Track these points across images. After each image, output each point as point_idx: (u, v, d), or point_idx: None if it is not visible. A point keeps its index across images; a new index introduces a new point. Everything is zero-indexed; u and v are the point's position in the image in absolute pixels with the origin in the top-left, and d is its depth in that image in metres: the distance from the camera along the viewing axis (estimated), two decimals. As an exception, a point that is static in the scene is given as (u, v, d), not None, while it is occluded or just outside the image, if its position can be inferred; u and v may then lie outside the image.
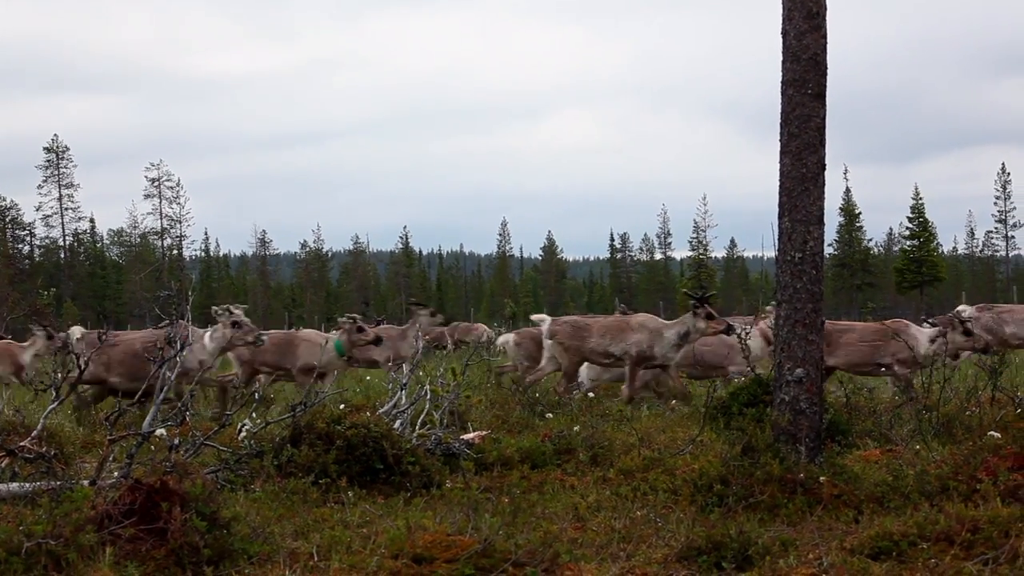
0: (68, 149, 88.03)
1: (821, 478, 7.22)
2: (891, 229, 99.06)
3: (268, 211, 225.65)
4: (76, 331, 14.58)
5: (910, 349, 12.96)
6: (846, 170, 78.69)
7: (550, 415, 11.97)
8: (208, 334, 13.11)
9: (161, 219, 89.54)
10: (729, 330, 13.68)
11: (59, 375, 8.93)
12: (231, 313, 13.14)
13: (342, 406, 9.79)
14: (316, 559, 6.10)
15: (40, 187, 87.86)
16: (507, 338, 17.82)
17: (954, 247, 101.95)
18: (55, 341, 17.97)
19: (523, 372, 15.83)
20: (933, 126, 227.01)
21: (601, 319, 15.62)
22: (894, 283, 75.29)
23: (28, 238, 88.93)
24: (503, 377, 16.00)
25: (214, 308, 13.40)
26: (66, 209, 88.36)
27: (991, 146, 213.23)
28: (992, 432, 8.02)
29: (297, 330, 19.61)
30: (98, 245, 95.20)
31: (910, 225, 75.01)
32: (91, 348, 12.47)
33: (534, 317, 16.44)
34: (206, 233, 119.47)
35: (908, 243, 75.37)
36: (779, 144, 8.13)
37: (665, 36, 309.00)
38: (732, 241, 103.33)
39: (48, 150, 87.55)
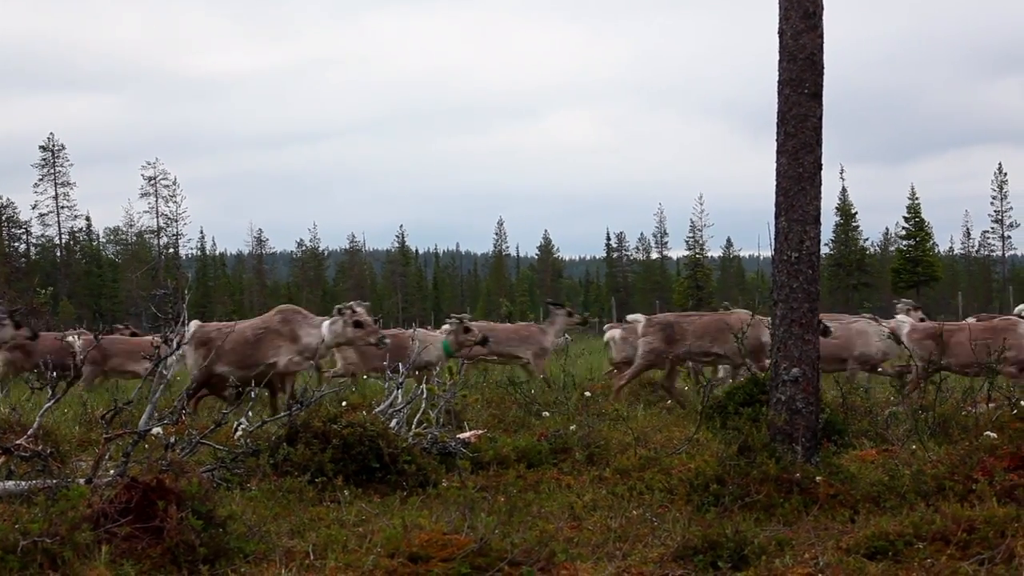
0: (64, 147, 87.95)
1: (817, 478, 7.23)
2: (887, 229, 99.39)
3: (264, 210, 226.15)
4: (193, 325, 13.72)
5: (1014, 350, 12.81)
6: (842, 170, 78.68)
7: (546, 414, 11.97)
8: (326, 324, 12.85)
9: (157, 217, 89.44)
10: (826, 332, 13.36)
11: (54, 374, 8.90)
12: (354, 312, 12.90)
13: (344, 404, 9.79)
14: (312, 558, 6.10)
15: (36, 185, 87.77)
16: (613, 334, 17.74)
17: (950, 247, 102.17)
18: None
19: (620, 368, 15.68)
20: (929, 126, 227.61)
21: (696, 317, 15.35)
22: (890, 283, 75.31)
23: (24, 236, 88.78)
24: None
25: (337, 306, 13.17)
26: (62, 207, 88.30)
27: (987, 146, 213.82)
28: (988, 432, 8.02)
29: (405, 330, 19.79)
30: (94, 243, 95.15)
31: (906, 225, 75.07)
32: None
33: (629, 317, 16.38)
34: (202, 232, 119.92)
35: (904, 243, 75.42)
36: (775, 144, 8.13)
37: (662, 36, 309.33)
38: (728, 241, 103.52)
39: (44, 148, 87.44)
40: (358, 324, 12.87)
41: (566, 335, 19.35)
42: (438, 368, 15.62)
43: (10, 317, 17.26)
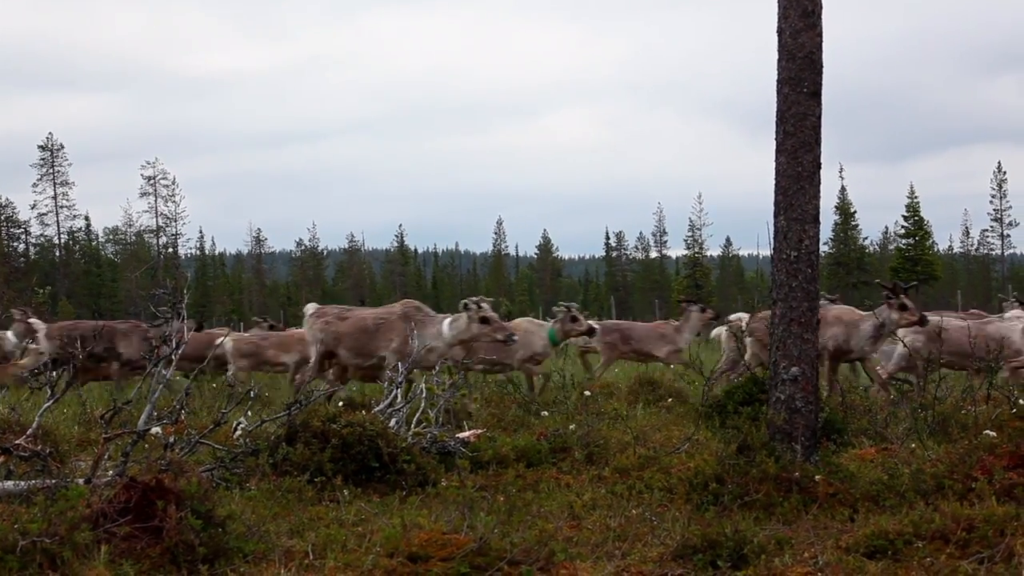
0: (63, 147, 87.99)
1: (817, 477, 7.23)
2: (887, 227, 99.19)
3: (263, 209, 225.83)
4: (310, 307, 13.96)
5: None
6: (842, 168, 78.65)
7: (545, 413, 11.96)
8: (447, 322, 12.75)
9: (157, 217, 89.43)
10: (923, 321, 13.18)
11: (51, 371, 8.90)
12: (480, 308, 12.73)
13: (340, 404, 9.78)
14: (311, 557, 6.11)
15: (35, 185, 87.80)
16: (721, 330, 17.68)
17: (949, 246, 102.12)
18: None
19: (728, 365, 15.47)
20: (928, 124, 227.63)
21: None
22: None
23: (23, 236, 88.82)
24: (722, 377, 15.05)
25: (463, 301, 12.97)
26: (61, 207, 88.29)
27: (985, 144, 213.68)
28: (988, 431, 8.02)
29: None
30: (93, 243, 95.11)
31: (906, 224, 75.08)
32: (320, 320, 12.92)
33: (732, 317, 16.31)
34: (201, 231, 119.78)
35: (904, 242, 75.43)
36: (775, 143, 8.13)
37: (661, 34, 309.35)
38: (728, 240, 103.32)
39: (43, 148, 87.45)
40: (485, 320, 12.72)
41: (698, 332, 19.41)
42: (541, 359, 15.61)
43: (199, 328, 17.57)
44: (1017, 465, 6.96)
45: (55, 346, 16.92)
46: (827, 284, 72.09)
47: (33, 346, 17.95)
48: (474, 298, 13.07)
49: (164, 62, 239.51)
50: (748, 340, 14.34)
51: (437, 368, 11.53)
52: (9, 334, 18.00)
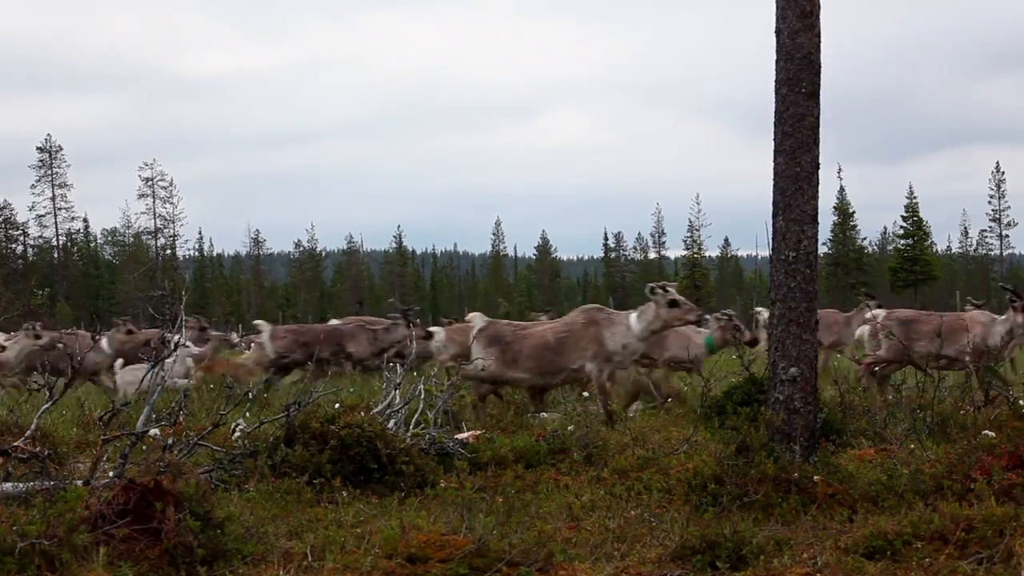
0: (61, 149, 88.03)
1: (815, 477, 7.23)
2: (885, 228, 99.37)
3: (262, 210, 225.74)
4: (477, 319, 13.09)
5: None
6: (840, 169, 78.73)
7: (544, 415, 11.95)
8: (635, 315, 12.01)
9: (155, 219, 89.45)
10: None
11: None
12: (666, 291, 11.94)
13: (337, 405, 9.77)
14: (310, 559, 6.10)
15: (33, 187, 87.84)
16: (864, 329, 17.64)
17: (948, 246, 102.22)
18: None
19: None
20: (927, 125, 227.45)
21: (924, 316, 14.85)
22: (888, 282, 75.41)
23: (21, 238, 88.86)
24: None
25: (648, 285, 12.18)
26: (59, 209, 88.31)
27: (983, 145, 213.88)
28: (987, 431, 8.03)
29: None
30: (92, 245, 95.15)
31: (904, 224, 75.27)
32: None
33: (867, 315, 16.29)
34: (200, 233, 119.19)
35: (902, 242, 75.64)
36: (773, 143, 8.14)
37: (658, 34, 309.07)
38: (726, 240, 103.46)
39: (41, 150, 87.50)
40: (674, 304, 11.90)
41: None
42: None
43: (404, 317, 17.68)
44: (1016, 465, 6.96)
45: (279, 348, 17.41)
46: (826, 285, 72.25)
47: (258, 340, 18.48)
48: (660, 282, 12.33)
49: (162, 63, 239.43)
50: (881, 337, 14.22)
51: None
52: (104, 343, 18.03)
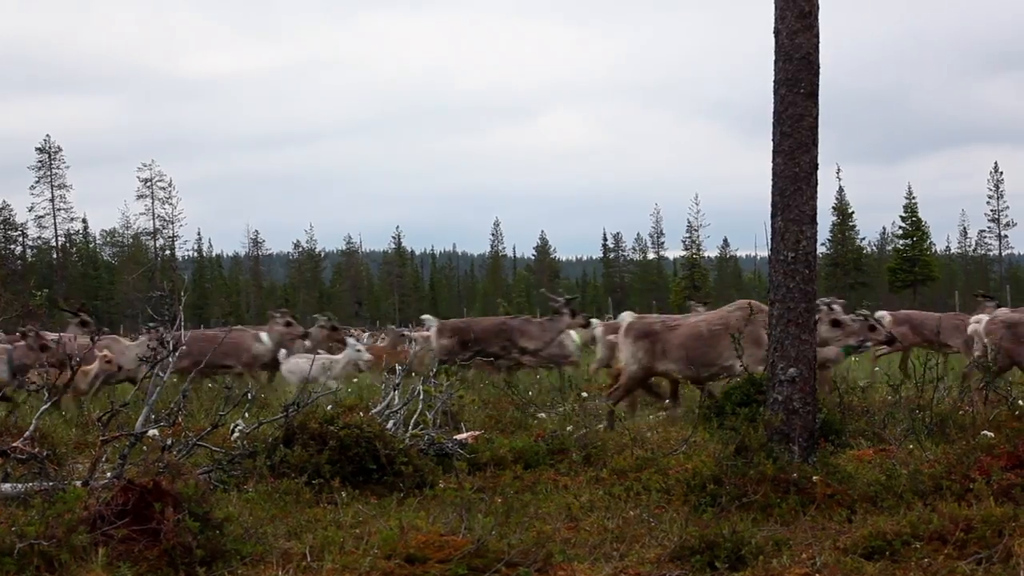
0: (60, 150, 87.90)
1: (814, 478, 7.23)
2: (884, 228, 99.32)
3: (261, 211, 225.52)
4: (627, 316, 12.78)
5: None
6: (839, 169, 78.57)
7: (543, 415, 11.96)
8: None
9: (154, 219, 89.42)
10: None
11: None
12: (832, 309, 11.70)
13: (329, 407, 9.76)
14: (309, 559, 6.10)
15: (32, 188, 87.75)
16: (977, 327, 17.57)
17: (947, 246, 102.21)
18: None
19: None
20: (925, 125, 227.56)
21: None
22: (887, 282, 75.41)
23: (20, 239, 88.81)
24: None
25: (822, 300, 11.56)
26: (58, 210, 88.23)
27: (981, 145, 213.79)
28: (985, 431, 8.03)
29: None
30: (91, 246, 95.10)
31: (903, 224, 75.19)
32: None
33: (973, 318, 16.01)
34: (199, 233, 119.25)
35: (901, 242, 75.56)
36: (772, 144, 8.14)
37: (657, 35, 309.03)
38: (725, 241, 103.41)
39: (40, 151, 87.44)
40: (836, 324, 11.80)
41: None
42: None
43: (567, 306, 17.44)
44: (1015, 466, 6.96)
45: (448, 343, 17.51)
46: (824, 285, 72.21)
47: (425, 333, 18.87)
48: (826, 299, 12.01)
49: (161, 64, 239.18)
50: (986, 341, 13.85)
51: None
52: (265, 336, 18.03)
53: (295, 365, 16.20)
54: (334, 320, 21.37)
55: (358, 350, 16.40)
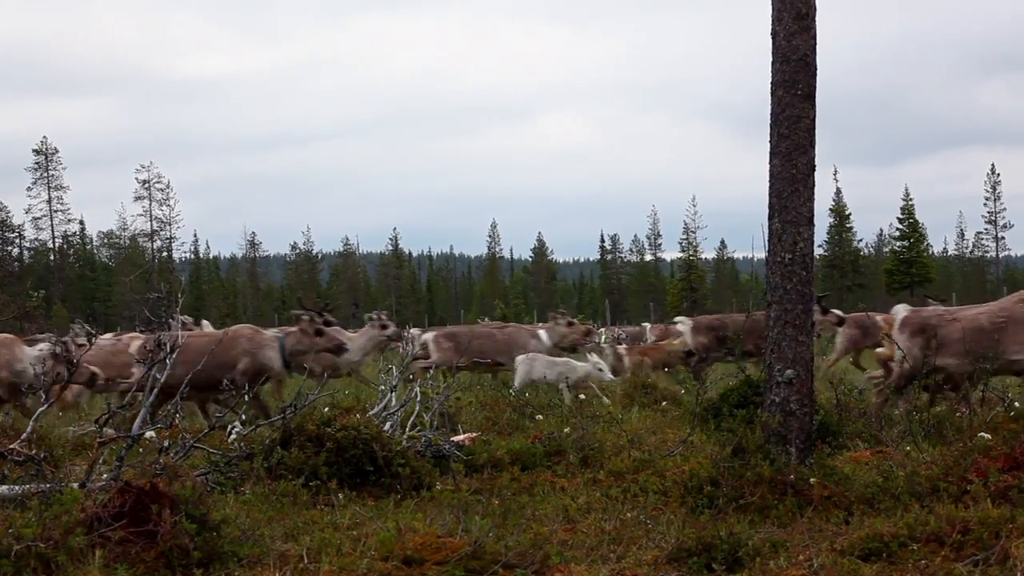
0: (57, 151, 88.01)
1: (811, 479, 7.23)
2: (881, 230, 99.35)
3: (258, 213, 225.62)
4: (901, 309, 11.91)
5: None
6: (836, 171, 78.74)
7: (540, 417, 11.95)
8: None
9: (151, 221, 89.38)
10: None
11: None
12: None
13: (326, 409, 9.76)
14: (306, 561, 6.09)
15: (29, 189, 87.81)
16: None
17: (944, 248, 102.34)
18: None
19: None
20: (922, 127, 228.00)
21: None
22: (884, 284, 75.48)
23: (17, 240, 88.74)
24: None
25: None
26: (56, 211, 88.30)
27: (978, 146, 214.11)
28: (982, 433, 8.03)
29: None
30: (88, 247, 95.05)
31: (900, 226, 75.29)
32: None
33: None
34: (195, 235, 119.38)
35: (898, 244, 75.65)
36: (769, 145, 8.14)
37: (655, 37, 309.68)
38: (722, 242, 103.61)
39: (37, 152, 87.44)
40: None
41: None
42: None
43: (818, 303, 16.44)
44: (1012, 468, 6.96)
45: (702, 341, 17.72)
46: (822, 287, 72.25)
47: (680, 327, 18.89)
48: None
49: (157, 66, 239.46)
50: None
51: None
52: (543, 335, 18.06)
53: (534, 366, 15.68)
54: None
55: (600, 369, 15.57)
